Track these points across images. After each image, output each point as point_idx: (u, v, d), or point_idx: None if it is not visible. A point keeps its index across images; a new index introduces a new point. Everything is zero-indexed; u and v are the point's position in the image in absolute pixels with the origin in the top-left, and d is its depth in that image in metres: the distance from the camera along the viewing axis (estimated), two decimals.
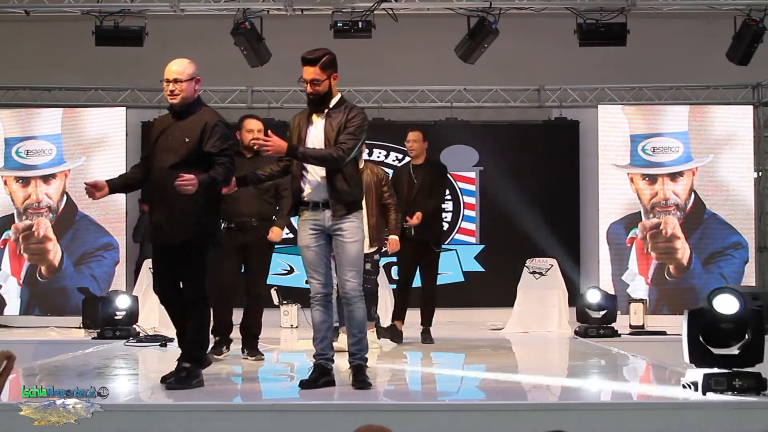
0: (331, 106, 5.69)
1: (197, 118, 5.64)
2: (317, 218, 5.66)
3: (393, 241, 8.35)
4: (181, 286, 5.74)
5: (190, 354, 5.70)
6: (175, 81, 5.64)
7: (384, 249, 8.51)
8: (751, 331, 5.06)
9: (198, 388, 5.63)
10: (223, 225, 6.72)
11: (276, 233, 7.33)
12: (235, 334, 7.53)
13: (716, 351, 5.12)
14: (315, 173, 5.63)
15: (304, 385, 5.59)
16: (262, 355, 7.43)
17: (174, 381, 5.58)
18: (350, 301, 5.67)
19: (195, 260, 5.62)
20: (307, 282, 5.86)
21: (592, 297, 9.89)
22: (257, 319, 7.47)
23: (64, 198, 11.97)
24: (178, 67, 5.69)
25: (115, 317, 9.41)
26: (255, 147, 6.20)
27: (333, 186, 5.58)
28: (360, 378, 5.62)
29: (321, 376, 5.64)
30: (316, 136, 5.65)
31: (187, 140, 5.57)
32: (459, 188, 12.49)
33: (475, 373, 6.34)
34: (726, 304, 5.09)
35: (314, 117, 5.71)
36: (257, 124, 7.49)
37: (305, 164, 5.63)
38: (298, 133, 5.69)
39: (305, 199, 5.67)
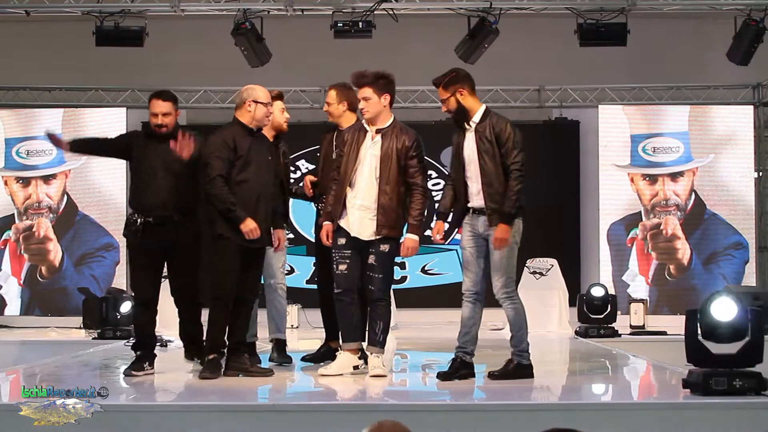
0: (476, 120, 6.03)
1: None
2: (474, 223, 6.04)
3: (409, 241, 6.21)
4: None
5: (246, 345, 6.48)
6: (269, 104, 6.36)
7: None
8: (751, 331, 5.06)
9: (197, 388, 5.67)
10: (138, 220, 6.18)
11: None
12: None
13: (716, 351, 5.12)
14: (474, 182, 5.97)
15: (441, 376, 6.05)
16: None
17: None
18: (500, 302, 6.03)
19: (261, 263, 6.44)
20: None
21: (597, 292, 9.90)
22: (197, 322, 6.45)
23: (65, 198, 11.97)
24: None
25: (117, 318, 9.43)
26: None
27: (490, 197, 5.91)
28: (515, 371, 5.99)
29: (459, 368, 6.03)
30: (470, 151, 5.99)
31: (270, 158, 6.38)
32: None
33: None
34: (724, 309, 5.08)
35: (466, 133, 6.06)
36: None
37: (467, 173, 6.00)
38: (457, 149, 6.10)
39: (469, 205, 6.04)
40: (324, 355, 7.05)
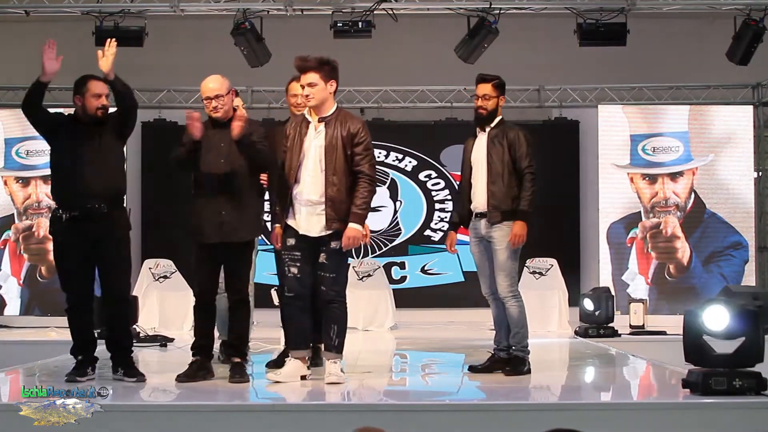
0: (492, 125, 6.30)
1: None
2: (476, 226, 6.34)
3: (350, 230, 5.74)
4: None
5: (240, 349, 6.10)
6: (216, 97, 5.99)
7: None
8: (750, 331, 5.06)
9: (199, 388, 5.69)
10: (64, 216, 5.87)
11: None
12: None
13: (716, 351, 5.13)
14: (479, 183, 6.27)
15: (472, 369, 6.49)
16: (143, 375, 6.03)
17: (239, 377, 5.87)
18: (504, 300, 6.29)
19: (248, 258, 6.16)
20: None
21: (588, 305, 9.89)
22: (125, 329, 6.30)
23: None
24: (215, 84, 6.02)
25: None
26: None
27: (493, 195, 6.21)
28: (512, 365, 6.25)
29: (493, 363, 6.42)
30: (479, 153, 6.29)
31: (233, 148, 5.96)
32: None
33: (476, 374, 6.35)
34: (716, 318, 5.08)
35: (478, 132, 6.37)
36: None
37: (474, 174, 6.31)
38: (466, 153, 6.40)
39: (471, 207, 6.35)
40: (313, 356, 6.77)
